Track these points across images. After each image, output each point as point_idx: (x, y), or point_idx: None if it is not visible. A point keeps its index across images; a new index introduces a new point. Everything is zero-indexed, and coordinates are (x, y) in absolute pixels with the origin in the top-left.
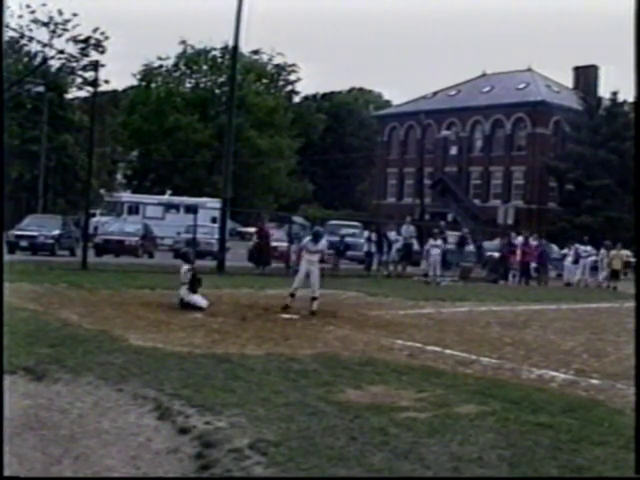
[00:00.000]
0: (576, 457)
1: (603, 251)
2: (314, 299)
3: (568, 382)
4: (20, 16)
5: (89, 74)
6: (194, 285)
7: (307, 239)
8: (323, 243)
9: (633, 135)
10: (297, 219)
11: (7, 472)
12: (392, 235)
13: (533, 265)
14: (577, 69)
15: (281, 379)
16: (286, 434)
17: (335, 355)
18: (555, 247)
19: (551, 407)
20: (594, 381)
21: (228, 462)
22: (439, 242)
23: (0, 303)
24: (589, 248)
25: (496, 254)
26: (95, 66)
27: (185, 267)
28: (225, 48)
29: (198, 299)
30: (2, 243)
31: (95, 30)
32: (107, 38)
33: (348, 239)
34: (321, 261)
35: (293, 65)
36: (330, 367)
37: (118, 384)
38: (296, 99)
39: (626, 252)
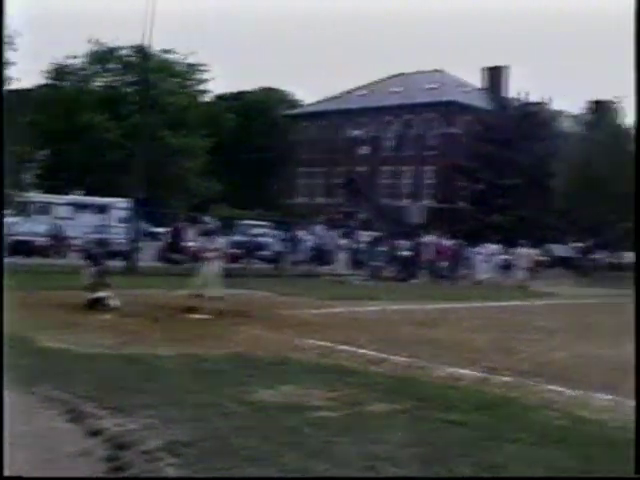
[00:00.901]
0: (489, 455)
1: (519, 250)
2: (214, 298)
3: (480, 380)
4: None
5: None
6: (98, 286)
7: (203, 238)
8: (219, 241)
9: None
10: (208, 219)
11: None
12: (304, 235)
13: (444, 264)
14: (487, 69)
15: (194, 380)
16: (199, 435)
17: (248, 355)
18: (468, 246)
19: (463, 405)
20: (506, 378)
21: (141, 464)
22: (348, 241)
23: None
24: (499, 247)
25: (407, 253)
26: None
27: (91, 269)
28: (136, 47)
29: (106, 294)
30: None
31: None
32: (19, 35)
33: (259, 239)
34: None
35: (205, 64)
36: (243, 367)
37: (28, 387)
38: (209, 98)
39: (535, 251)
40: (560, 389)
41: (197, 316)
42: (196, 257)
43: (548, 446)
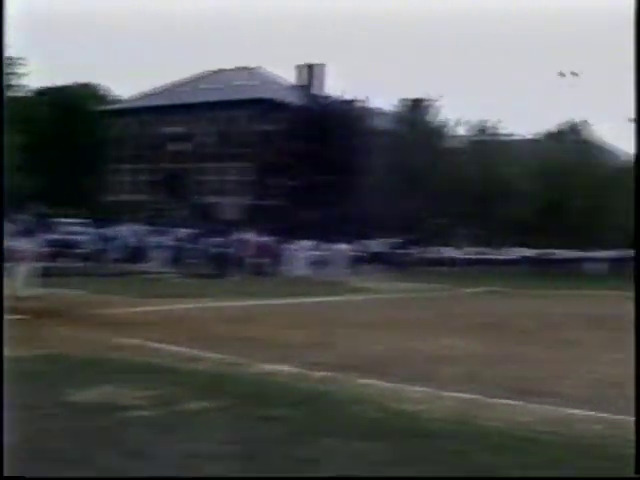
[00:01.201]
0: (305, 449)
1: (334, 246)
2: (28, 298)
3: (296, 375)
4: None
5: None
6: None
7: (17, 237)
8: (33, 239)
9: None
10: (23, 217)
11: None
12: (121, 232)
13: (261, 261)
14: (303, 67)
15: (8, 382)
16: (15, 438)
17: (63, 355)
18: (284, 243)
19: (282, 400)
20: (322, 373)
21: None
22: (165, 239)
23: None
24: (313, 243)
25: (222, 250)
26: None
27: None
28: None
29: None
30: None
31: None
32: None
33: (75, 237)
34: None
35: (21, 58)
36: (59, 367)
37: None
38: (24, 93)
39: (349, 247)
40: (376, 382)
41: (14, 317)
42: (9, 256)
43: (364, 439)
